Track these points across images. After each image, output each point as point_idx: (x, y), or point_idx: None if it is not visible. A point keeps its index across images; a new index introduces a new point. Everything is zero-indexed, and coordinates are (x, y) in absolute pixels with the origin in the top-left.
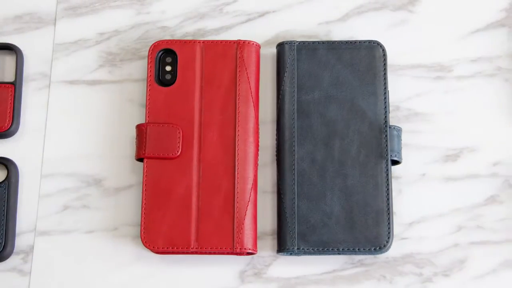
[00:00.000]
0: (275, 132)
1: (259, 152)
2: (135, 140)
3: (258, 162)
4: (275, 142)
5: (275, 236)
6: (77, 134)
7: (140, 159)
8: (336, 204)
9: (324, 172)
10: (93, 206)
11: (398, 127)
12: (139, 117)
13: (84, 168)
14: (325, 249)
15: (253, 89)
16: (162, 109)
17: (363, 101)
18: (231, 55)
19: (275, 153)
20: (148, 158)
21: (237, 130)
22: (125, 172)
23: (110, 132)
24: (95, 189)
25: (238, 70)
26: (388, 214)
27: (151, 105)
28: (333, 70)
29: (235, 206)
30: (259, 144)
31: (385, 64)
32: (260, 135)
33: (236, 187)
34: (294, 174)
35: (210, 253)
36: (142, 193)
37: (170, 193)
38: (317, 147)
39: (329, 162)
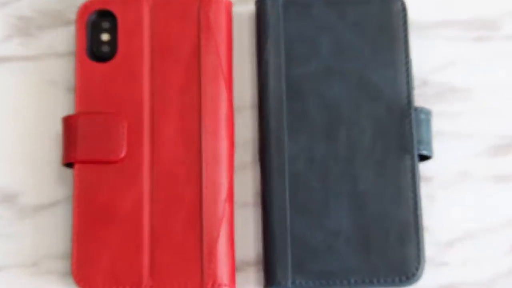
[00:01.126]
0: (256, 121)
1: (235, 150)
2: (61, 138)
3: (234, 164)
4: (257, 134)
5: (261, 266)
6: None
7: (69, 164)
8: (344, 218)
9: (326, 174)
10: (4, 233)
11: (426, 109)
12: (66, 106)
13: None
14: (331, 281)
15: (224, 62)
16: (98, 94)
17: (377, 75)
18: (192, 17)
19: (258, 150)
20: (80, 162)
21: (203, 119)
22: (48, 184)
23: (25, 128)
24: (6, 209)
25: (202, 36)
26: (417, 229)
27: (82, 89)
28: (334, 33)
29: (204, 226)
30: (235, 138)
31: (405, 23)
32: (236, 126)
33: (203, 198)
34: (284, 178)
35: None
36: (73, 212)
37: (112, 210)
38: (315, 140)
39: (333, 161)
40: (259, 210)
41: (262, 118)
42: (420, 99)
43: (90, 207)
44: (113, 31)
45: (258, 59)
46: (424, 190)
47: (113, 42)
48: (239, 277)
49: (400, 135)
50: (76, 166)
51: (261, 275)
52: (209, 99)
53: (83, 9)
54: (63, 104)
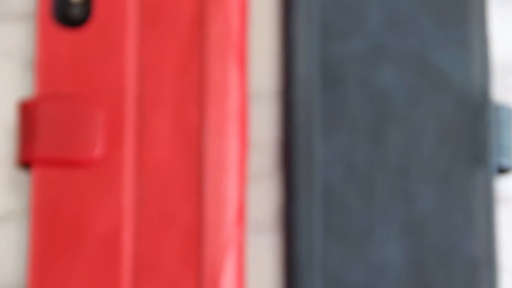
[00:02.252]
0: (279, 115)
1: (249, 153)
2: (15, 129)
3: (248, 172)
4: (279, 133)
5: None
6: None
7: (25, 166)
8: (394, 250)
9: (370, 189)
10: None
11: (509, 105)
12: (23, 87)
13: None
14: None
15: (235, 35)
16: (65, 71)
17: (443, 57)
18: None
19: (280, 155)
20: (41, 163)
21: (206, 111)
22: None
23: None
24: None
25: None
26: (490, 268)
27: (45, 64)
28: (387, 0)
29: (204, 254)
30: (249, 138)
31: None
32: (251, 122)
33: (204, 217)
34: (315, 192)
35: None
36: (29, 229)
37: (82, 229)
38: (357, 143)
39: (380, 171)
40: (279, 235)
41: (287, 111)
42: (501, 91)
43: (53, 224)
44: None
45: (283, 33)
46: (503, 215)
47: (86, 2)
48: None
49: (472, 139)
50: (35, 167)
51: None
52: (215, 84)
53: None
54: (18, 85)
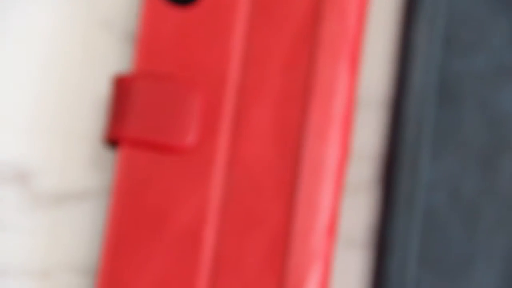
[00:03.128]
0: (386, 125)
1: (349, 163)
2: (107, 104)
3: (345, 182)
4: (384, 145)
5: None
6: None
7: (113, 143)
8: (494, 286)
9: (476, 217)
10: (9, 224)
11: None
12: (120, 60)
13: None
14: None
15: (351, 36)
16: (168, 50)
17: None
18: None
19: (382, 168)
20: (130, 143)
21: (309, 112)
22: (79, 166)
23: (58, 85)
24: (15, 192)
25: None
26: None
27: (147, 39)
28: None
29: (289, 262)
30: (351, 146)
31: None
32: (354, 129)
33: (294, 223)
34: (415, 214)
35: None
36: (108, 211)
37: (165, 218)
38: (467, 166)
39: (489, 200)
40: (370, 253)
41: (396, 123)
42: None
43: (134, 209)
44: None
45: (402, 39)
46: None
47: None
48: None
49: None
50: (123, 146)
51: None
52: (322, 84)
53: None
54: (115, 57)
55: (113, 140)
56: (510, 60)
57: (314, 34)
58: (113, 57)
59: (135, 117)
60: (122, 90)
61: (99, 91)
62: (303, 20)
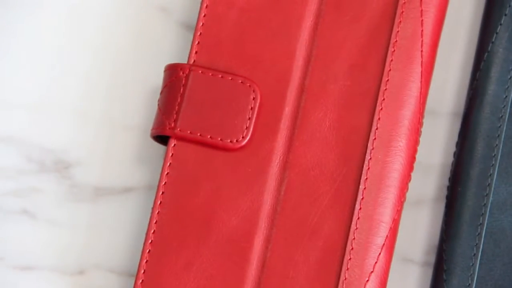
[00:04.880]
0: (455, 137)
1: (413, 174)
2: (157, 95)
3: (407, 195)
4: (451, 158)
5: None
6: (39, 63)
7: (162, 138)
8: None
9: None
10: (44, 217)
11: None
12: (177, 49)
13: (39, 133)
14: None
15: (427, 39)
16: (229, 43)
17: None
18: None
19: (448, 183)
20: (180, 139)
21: (376, 117)
22: (124, 159)
23: (107, 72)
24: (55, 181)
25: None
26: None
27: (207, 31)
28: None
29: (342, 277)
30: (416, 156)
31: None
32: (422, 138)
33: (350, 236)
34: (479, 235)
35: None
36: (152, 209)
37: (213, 220)
38: None
39: None
40: (428, 274)
41: (465, 136)
42: None
43: (181, 208)
44: None
45: (479, 48)
46: None
47: None
48: None
49: None
50: (173, 143)
51: None
52: (392, 89)
53: None
54: (171, 45)
55: (163, 135)
56: None
57: (387, 36)
58: (169, 46)
59: (188, 111)
60: (177, 81)
61: (151, 82)
62: (378, 19)
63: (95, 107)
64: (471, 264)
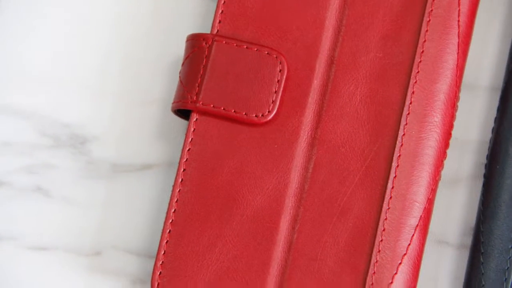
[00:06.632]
0: (493, 112)
1: (449, 151)
2: (179, 67)
3: (442, 173)
4: (489, 134)
5: None
6: (55, 37)
7: (183, 112)
8: None
9: None
10: (59, 194)
11: None
12: (200, 18)
13: (53, 107)
14: None
15: (464, 9)
16: (255, 13)
17: None
18: None
19: (485, 160)
20: (203, 113)
21: (410, 90)
22: (142, 135)
23: (126, 43)
24: (71, 158)
25: None
26: None
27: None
28: None
29: (373, 260)
30: (453, 132)
31: None
32: (458, 112)
33: (382, 216)
34: None
35: None
36: (173, 188)
37: (236, 199)
38: None
39: None
40: (464, 256)
41: (504, 111)
42: None
43: (203, 186)
44: None
45: None
46: None
47: None
48: None
49: None
50: (195, 117)
51: None
52: (426, 62)
53: None
54: (194, 14)
55: (185, 108)
56: None
57: (422, 4)
58: (191, 15)
59: (211, 84)
60: (199, 52)
61: (172, 53)
62: None
63: (113, 81)
64: (510, 246)
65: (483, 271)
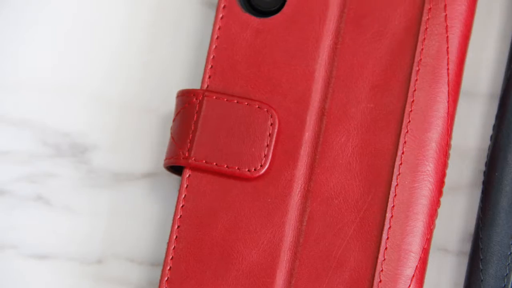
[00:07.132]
0: (491, 120)
1: (448, 159)
2: (172, 123)
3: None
4: (487, 142)
5: None
6: (55, 45)
7: (175, 168)
8: None
9: None
10: (60, 203)
11: None
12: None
13: (54, 116)
14: None
15: (453, 57)
16: (244, 66)
17: None
18: None
19: (484, 168)
20: (195, 169)
21: (402, 139)
22: (144, 144)
23: (124, 54)
24: (71, 166)
25: (427, 7)
26: None
27: (221, 53)
28: None
29: None
30: (452, 139)
31: None
32: (456, 119)
33: (379, 266)
34: None
35: None
36: (169, 244)
37: (232, 255)
38: None
39: None
40: (463, 263)
41: (502, 118)
42: None
43: (198, 241)
44: None
45: None
46: None
47: None
48: None
49: None
50: (188, 173)
51: None
52: (418, 110)
53: None
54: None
55: (177, 165)
56: None
57: (411, 54)
58: (193, 24)
59: (203, 139)
60: (190, 108)
61: (172, 65)
62: (401, 37)
63: (113, 90)
64: (508, 253)
65: (482, 278)
